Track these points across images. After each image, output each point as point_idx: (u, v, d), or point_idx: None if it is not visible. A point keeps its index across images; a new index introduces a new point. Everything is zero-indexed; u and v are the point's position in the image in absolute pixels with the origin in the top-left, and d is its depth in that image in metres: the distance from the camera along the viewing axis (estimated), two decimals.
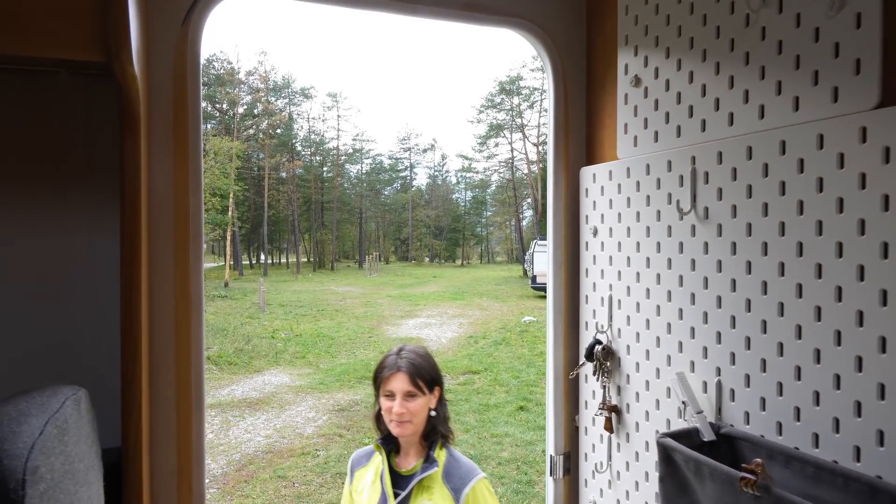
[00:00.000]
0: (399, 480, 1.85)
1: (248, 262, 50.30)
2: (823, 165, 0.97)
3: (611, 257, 1.48)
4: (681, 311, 1.26)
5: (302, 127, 53.68)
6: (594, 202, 1.55)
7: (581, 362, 1.56)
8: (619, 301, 1.45)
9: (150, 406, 1.20)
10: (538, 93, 44.47)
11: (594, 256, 1.55)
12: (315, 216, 54.38)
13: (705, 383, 1.20)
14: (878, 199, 0.89)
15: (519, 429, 8.38)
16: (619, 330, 1.46)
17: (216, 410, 9.33)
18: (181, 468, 1.28)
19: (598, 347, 1.48)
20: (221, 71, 41.15)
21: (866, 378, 0.91)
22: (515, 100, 47.74)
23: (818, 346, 0.98)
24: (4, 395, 0.80)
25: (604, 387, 1.48)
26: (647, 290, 1.36)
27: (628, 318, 1.42)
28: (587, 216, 1.58)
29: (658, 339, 1.33)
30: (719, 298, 1.16)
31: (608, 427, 1.47)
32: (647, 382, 1.36)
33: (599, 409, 1.49)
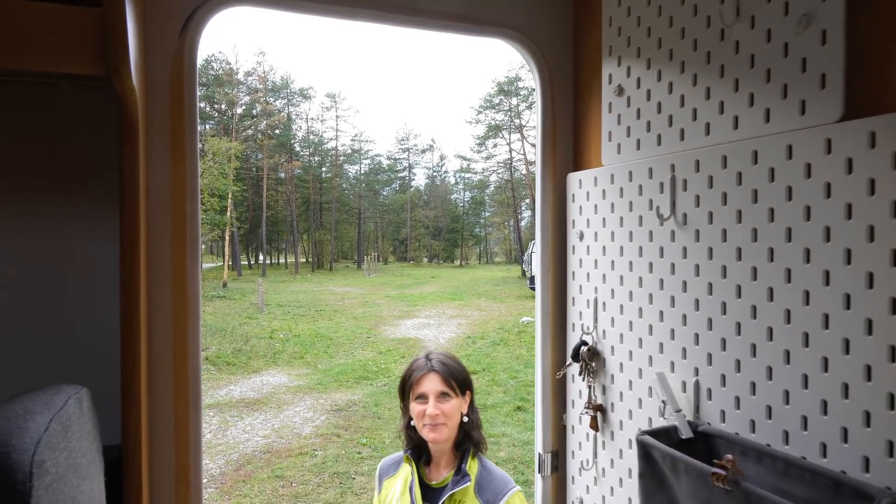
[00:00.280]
0: (429, 493, 1.80)
1: (246, 263, 50.33)
2: (792, 175, 1.01)
3: (596, 261, 1.53)
4: (661, 313, 1.31)
5: (300, 127, 53.72)
6: (580, 207, 1.59)
7: (568, 363, 1.61)
8: (604, 303, 1.50)
9: (149, 405, 1.25)
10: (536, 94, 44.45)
11: (580, 260, 1.60)
12: (314, 216, 54.41)
13: (684, 383, 1.25)
14: (842, 207, 0.93)
15: (516, 429, 8.42)
16: (604, 331, 1.50)
17: (214, 411, 9.36)
18: (179, 465, 1.32)
19: (583, 348, 1.53)
20: (220, 71, 41.17)
21: (832, 378, 0.95)
22: (514, 100, 47.82)
23: (788, 348, 1.02)
24: (10, 393, 0.84)
25: (589, 386, 1.53)
26: (630, 292, 1.40)
27: (612, 319, 1.47)
28: (574, 221, 1.63)
29: (640, 340, 1.37)
30: (697, 301, 1.21)
31: (594, 425, 1.51)
32: (630, 382, 1.41)
33: (585, 408, 1.53)
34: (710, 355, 1.18)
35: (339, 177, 56.62)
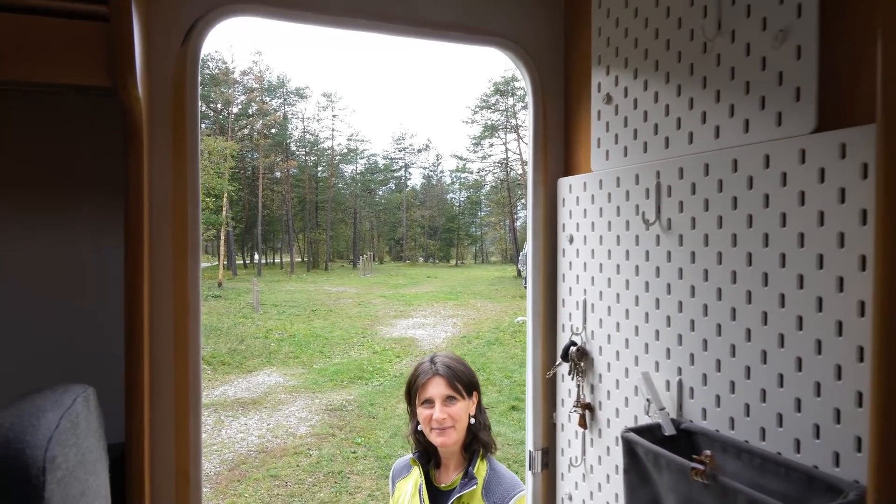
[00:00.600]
0: (438, 496, 1.81)
1: (241, 262, 50.24)
2: (769, 183, 1.06)
3: (585, 263, 1.58)
4: (647, 314, 1.35)
5: (296, 127, 53.70)
6: (570, 211, 1.64)
7: (558, 362, 1.65)
8: (593, 305, 1.55)
9: (150, 405, 1.29)
10: None
11: (570, 262, 1.64)
12: (309, 216, 54.37)
13: (668, 382, 1.29)
14: (815, 215, 0.98)
15: (511, 428, 8.48)
16: (593, 332, 1.55)
17: (209, 410, 9.38)
18: (179, 463, 1.36)
19: (572, 348, 1.57)
20: (216, 70, 41.13)
21: (805, 377, 1.00)
22: (510, 100, 47.94)
23: (765, 348, 1.07)
24: (19, 392, 0.88)
25: (578, 385, 1.58)
26: (618, 294, 1.45)
27: (601, 321, 1.51)
28: (564, 224, 1.67)
29: (627, 340, 1.42)
30: (680, 303, 1.26)
31: (582, 423, 1.56)
32: (617, 381, 1.45)
33: (574, 406, 1.58)
34: (692, 355, 1.23)
35: (334, 176, 56.59)
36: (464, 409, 1.80)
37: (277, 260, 57.62)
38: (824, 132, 0.97)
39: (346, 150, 58.00)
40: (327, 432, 8.47)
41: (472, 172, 60.19)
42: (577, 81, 1.68)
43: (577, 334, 1.60)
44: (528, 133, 1.79)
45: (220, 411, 9.42)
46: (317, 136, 55.56)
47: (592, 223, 1.54)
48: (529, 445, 1.78)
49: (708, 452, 1.02)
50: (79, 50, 1.01)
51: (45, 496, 0.70)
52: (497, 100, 48.96)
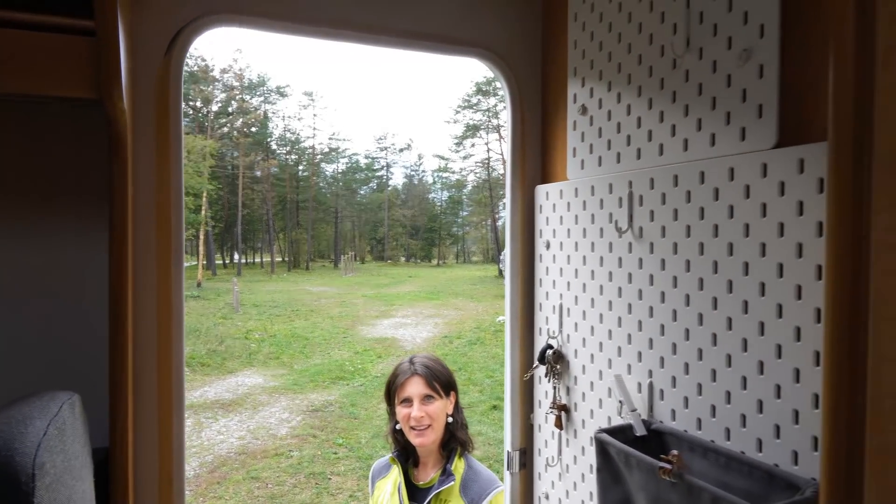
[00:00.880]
0: (417, 493, 1.85)
1: (221, 262, 49.69)
2: (734, 195, 1.11)
3: (561, 269, 1.62)
4: (620, 319, 1.40)
5: (277, 125, 53.25)
6: (547, 218, 1.68)
7: (535, 365, 1.70)
8: (569, 309, 1.59)
9: (134, 409, 1.30)
10: None
11: (547, 268, 1.69)
12: (290, 215, 53.98)
13: (640, 384, 1.34)
14: (776, 226, 1.03)
15: (492, 428, 8.54)
16: (569, 336, 1.59)
17: (189, 412, 9.29)
18: (163, 466, 1.38)
19: (549, 351, 1.62)
20: (195, 68, 40.62)
21: (767, 380, 1.05)
22: (492, 100, 48.07)
23: (730, 352, 1.12)
24: (4, 397, 0.90)
25: (554, 387, 1.62)
26: (592, 299, 1.50)
27: (576, 325, 1.56)
28: (541, 230, 1.72)
29: (601, 344, 1.47)
30: (651, 309, 1.31)
31: (558, 424, 1.61)
32: (592, 384, 1.50)
33: (550, 407, 1.62)
34: (662, 359, 1.28)
35: (316, 175, 56.25)
36: (441, 408, 1.85)
37: (258, 260, 57.11)
38: (784, 147, 1.02)
39: (327, 149, 57.69)
40: (308, 433, 8.45)
41: (453, 172, 60.32)
42: (553, 92, 1.73)
43: (553, 338, 1.64)
44: (506, 142, 1.84)
45: (199, 413, 9.33)
46: (298, 134, 55.17)
47: (568, 230, 1.59)
48: (508, 446, 1.82)
49: (675, 452, 1.07)
50: (66, 63, 1.03)
51: (34, 502, 0.72)
52: (479, 100, 49.10)
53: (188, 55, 1.40)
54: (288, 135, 54.05)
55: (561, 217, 1.62)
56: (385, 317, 19.13)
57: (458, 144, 53.54)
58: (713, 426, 1.17)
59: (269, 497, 6.45)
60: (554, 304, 1.66)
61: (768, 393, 1.05)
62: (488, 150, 52.10)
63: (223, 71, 43.56)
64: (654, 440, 1.28)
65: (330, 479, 6.95)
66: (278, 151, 53.09)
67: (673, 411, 1.26)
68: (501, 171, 49.93)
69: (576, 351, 1.56)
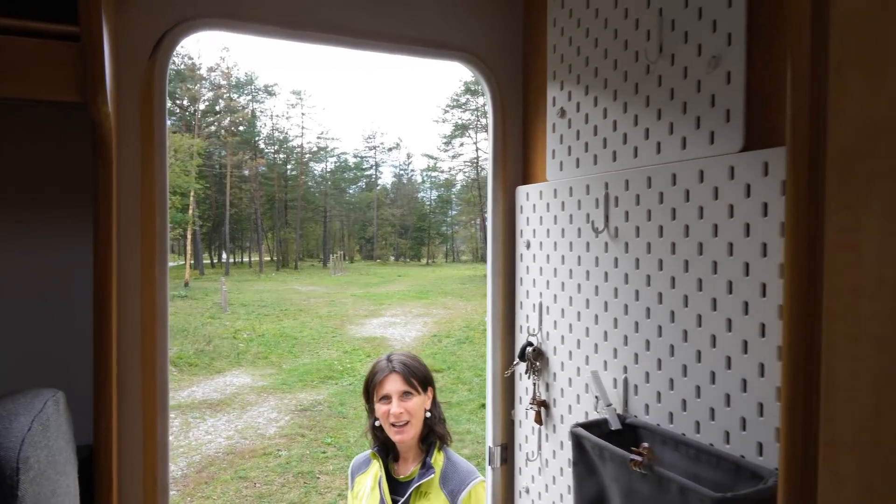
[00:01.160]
0: (397, 487, 1.89)
1: (209, 261, 49.36)
2: (703, 196, 1.15)
3: (541, 268, 1.66)
4: (596, 316, 1.44)
5: (265, 124, 52.98)
6: (527, 218, 1.72)
7: (515, 362, 1.73)
8: (548, 307, 1.63)
9: (119, 407, 1.32)
10: None
11: (527, 267, 1.73)
12: (278, 215, 53.74)
13: (615, 380, 1.38)
14: (742, 226, 1.07)
15: (480, 426, 8.58)
16: (548, 333, 1.63)
17: (176, 412, 9.26)
18: (147, 464, 1.40)
19: (529, 349, 1.65)
20: (182, 66, 40.33)
21: (734, 375, 1.09)
22: (480, 100, 48.17)
23: (699, 348, 1.16)
24: None
25: (534, 384, 1.66)
26: (570, 298, 1.53)
27: (555, 322, 1.60)
28: (521, 230, 1.75)
29: (578, 341, 1.50)
30: (626, 307, 1.34)
31: (538, 420, 1.64)
32: (570, 380, 1.54)
33: (530, 403, 1.66)
34: (636, 355, 1.32)
35: (304, 174, 56.03)
36: (419, 403, 1.89)
37: (246, 259, 56.78)
38: (750, 151, 1.07)
39: (315, 149, 57.49)
40: (297, 433, 8.45)
41: (442, 171, 60.36)
42: (534, 95, 1.77)
43: (533, 335, 1.68)
44: (488, 143, 1.87)
45: (187, 413, 9.30)
46: (286, 133, 54.91)
47: (548, 230, 1.63)
48: (489, 441, 1.86)
49: (646, 445, 1.11)
50: (51, 68, 1.05)
51: (18, 495, 0.74)
52: (468, 99, 49.23)
53: (175, 53, 1.41)
54: (276, 134, 53.80)
55: (541, 217, 1.66)
56: (374, 316, 19.12)
57: (446, 144, 53.62)
58: (684, 419, 1.21)
59: (257, 496, 6.45)
60: (534, 302, 1.69)
61: (735, 387, 1.09)
62: (477, 150, 52.23)
63: (210, 69, 43.32)
64: (629, 434, 1.31)
65: (318, 478, 6.96)
66: (266, 150, 52.83)
67: (647, 406, 1.30)
68: None
69: (555, 348, 1.60)
